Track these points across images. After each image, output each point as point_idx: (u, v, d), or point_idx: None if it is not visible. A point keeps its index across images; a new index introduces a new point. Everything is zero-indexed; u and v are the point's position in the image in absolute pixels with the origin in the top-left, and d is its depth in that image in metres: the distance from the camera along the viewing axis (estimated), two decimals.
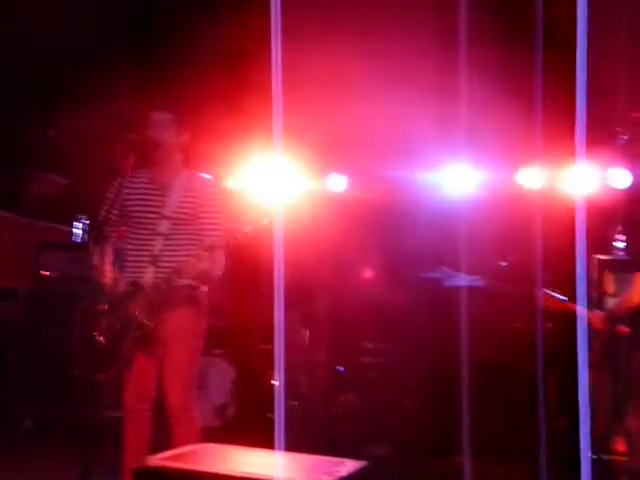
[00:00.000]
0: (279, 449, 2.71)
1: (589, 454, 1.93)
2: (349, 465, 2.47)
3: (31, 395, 5.15)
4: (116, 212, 3.49)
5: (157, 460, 2.51)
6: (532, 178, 5.24)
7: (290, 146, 4.74)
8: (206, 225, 3.42)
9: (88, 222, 5.76)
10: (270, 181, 5.50)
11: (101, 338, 3.31)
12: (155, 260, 3.35)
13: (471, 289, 5.22)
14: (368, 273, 5.74)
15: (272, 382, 4.95)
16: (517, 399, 4.66)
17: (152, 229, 3.41)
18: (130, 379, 3.36)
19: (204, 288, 3.50)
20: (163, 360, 3.39)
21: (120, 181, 3.41)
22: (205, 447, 2.77)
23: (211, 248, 3.35)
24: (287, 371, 4.90)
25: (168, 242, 3.37)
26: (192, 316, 3.44)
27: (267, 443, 2.77)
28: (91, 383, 3.40)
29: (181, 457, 2.55)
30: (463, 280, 5.00)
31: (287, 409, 5.00)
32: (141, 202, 3.47)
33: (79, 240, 5.78)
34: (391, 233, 5.45)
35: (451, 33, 4.67)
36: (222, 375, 5.22)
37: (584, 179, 4.80)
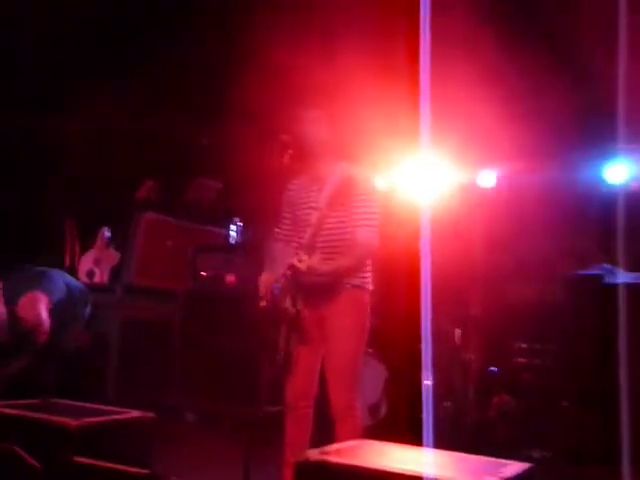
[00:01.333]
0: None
1: None
2: (513, 467, 2.39)
3: (192, 390, 5.39)
4: (286, 216, 3.63)
5: (318, 454, 2.54)
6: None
7: (438, 142, 4.69)
8: (358, 219, 3.43)
9: (243, 225, 5.96)
10: (418, 179, 5.47)
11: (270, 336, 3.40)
12: (303, 251, 3.39)
13: (633, 286, 4.95)
14: (521, 271, 5.56)
15: (424, 382, 4.90)
16: None
17: (306, 223, 3.48)
18: (292, 376, 3.43)
19: (369, 286, 3.53)
20: (326, 358, 3.44)
21: (288, 186, 3.57)
22: (365, 443, 2.78)
23: (362, 243, 3.37)
24: (439, 371, 4.85)
25: (320, 235, 3.42)
26: (355, 314, 3.47)
27: (419, 444, 2.73)
28: (253, 379, 3.51)
29: (341, 452, 2.57)
30: (625, 277, 4.74)
31: (439, 410, 4.94)
32: (300, 197, 3.57)
33: (234, 242, 5.99)
34: (545, 228, 5.26)
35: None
36: (374, 374, 5.23)
37: None
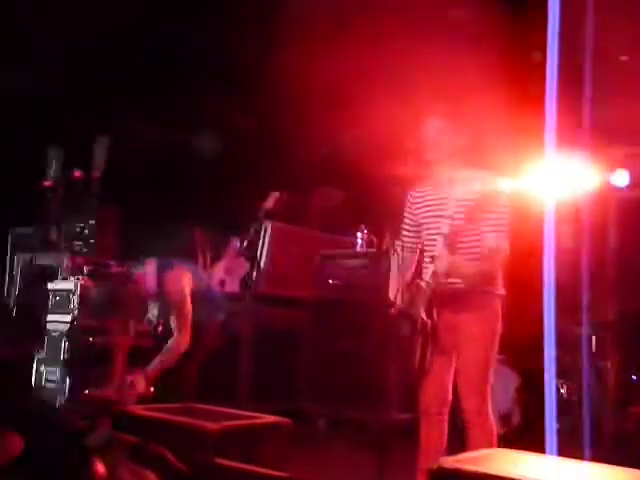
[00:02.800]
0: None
1: None
2: None
3: (323, 397, 5.48)
4: (409, 223, 3.65)
5: (452, 462, 2.53)
6: None
7: (567, 142, 4.54)
8: (488, 225, 3.41)
9: (367, 232, 6.00)
10: (544, 182, 5.31)
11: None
12: (435, 261, 3.40)
13: None
14: None
15: (561, 391, 4.76)
16: None
17: (435, 231, 3.48)
18: (426, 382, 3.45)
19: (500, 292, 3.49)
20: (458, 364, 3.44)
21: (410, 194, 3.59)
22: (499, 451, 2.74)
23: (493, 249, 3.34)
24: (574, 379, 4.70)
25: (450, 242, 3.41)
26: (487, 320, 3.44)
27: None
28: (386, 385, 3.54)
29: (476, 460, 2.55)
30: None
31: (575, 420, 4.77)
32: (426, 208, 3.58)
33: (360, 250, 6.04)
34: None
35: None
36: (506, 382, 5.12)
37: None
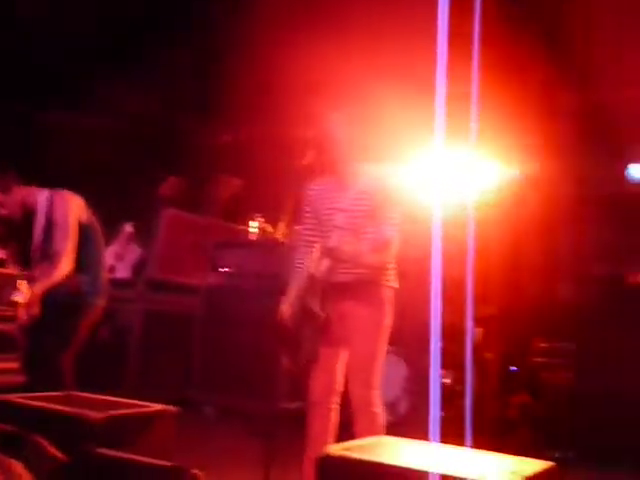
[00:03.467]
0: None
1: None
2: (535, 464, 2.39)
3: (212, 384, 5.42)
4: (308, 216, 3.65)
5: (338, 450, 2.55)
6: None
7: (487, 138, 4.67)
8: (383, 218, 3.45)
9: (262, 221, 5.98)
10: (435, 176, 5.43)
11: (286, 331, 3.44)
12: (330, 253, 3.41)
13: None
14: (544, 269, 5.54)
15: (444, 381, 4.90)
16: None
17: (331, 223, 3.49)
18: (316, 371, 3.46)
19: (392, 284, 3.54)
20: (348, 354, 3.46)
21: (309, 187, 3.58)
22: (386, 439, 2.79)
23: (386, 242, 3.39)
24: (458, 370, 4.84)
25: (344, 235, 3.43)
26: (378, 311, 3.48)
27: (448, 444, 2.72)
28: (274, 374, 3.53)
29: (362, 448, 2.58)
30: None
31: (458, 408, 4.92)
32: (323, 198, 3.59)
33: (255, 238, 6.02)
34: (577, 226, 5.23)
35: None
36: (394, 371, 5.22)
37: None
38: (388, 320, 3.52)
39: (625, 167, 5.45)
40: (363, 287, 3.44)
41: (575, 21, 4.95)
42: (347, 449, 2.55)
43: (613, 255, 5.18)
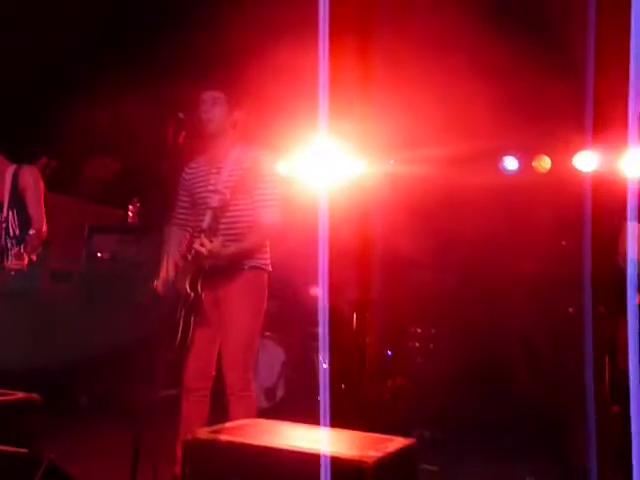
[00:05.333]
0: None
1: None
2: (397, 442, 2.47)
3: (86, 372, 5.27)
4: (182, 198, 3.59)
5: (207, 433, 2.54)
6: (586, 162, 5.11)
7: (341, 130, 4.74)
8: (258, 200, 3.44)
9: (140, 205, 5.85)
10: (319, 166, 5.50)
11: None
12: (204, 234, 3.38)
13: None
14: (418, 257, 5.70)
15: (322, 365, 4.97)
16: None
17: (205, 205, 3.46)
18: (190, 356, 3.42)
19: (267, 268, 3.54)
20: (222, 339, 3.44)
21: (185, 168, 3.53)
22: (255, 422, 2.80)
23: (264, 224, 3.39)
24: (336, 355, 4.92)
25: (224, 218, 3.40)
26: (252, 295, 3.47)
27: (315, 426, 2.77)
28: (149, 361, 3.47)
29: (231, 430, 2.58)
30: None
31: (336, 392, 5.01)
32: (198, 180, 3.54)
33: (131, 222, 5.88)
34: (443, 217, 5.40)
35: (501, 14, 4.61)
36: (271, 357, 5.26)
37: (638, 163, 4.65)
38: (263, 304, 3.53)
39: (500, 159, 5.68)
40: (237, 270, 3.43)
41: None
42: (215, 431, 2.55)
43: (486, 243, 5.40)
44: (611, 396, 4.38)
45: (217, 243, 3.30)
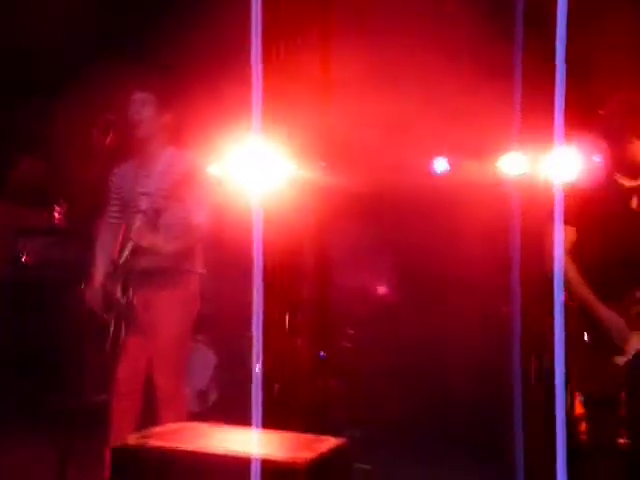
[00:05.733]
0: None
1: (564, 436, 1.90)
2: (330, 442, 2.48)
3: (9, 379, 5.12)
4: (113, 200, 3.53)
5: (136, 438, 2.50)
6: (512, 164, 5.22)
7: (275, 134, 4.73)
8: (192, 204, 3.41)
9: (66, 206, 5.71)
10: (251, 169, 5.46)
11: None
12: (135, 238, 3.33)
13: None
14: (351, 259, 5.74)
15: (254, 368, 4.94)
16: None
17: (135, 208, 3.41)
18: (120, 361, 3.36)
19: (198, 270, 3.51)
20: (153, 343, 3.39)
21: (115, 170, 3.48)
22: (186, 425, 2.77)
23: (195, 227, 3.36)
24: (269, 356, 4.91)
25: (149, 219, 3.36)
26: (181, 299, 3.44)
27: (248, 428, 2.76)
28: (78, 367, 3.41)
29: (161, 435, 2.55)
30: None
31: (270, 394, 4.99)
32: (128, 182, 3.49)
33: (57, 225, 5.72)
34: (372, 220, 5.46)
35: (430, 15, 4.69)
36: (203, 361, 5.21)
37: (563, 166, 4.79)
38: (195, 308, 3.50)
39: (430, 161, 5.77)
40: (168, 274, 3.39)
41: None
42: (145, 437, 2.51)
43: (417, 245, 5.47)
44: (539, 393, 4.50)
45: (159, 237, 3.27)
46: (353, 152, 5.42)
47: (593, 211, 3.06)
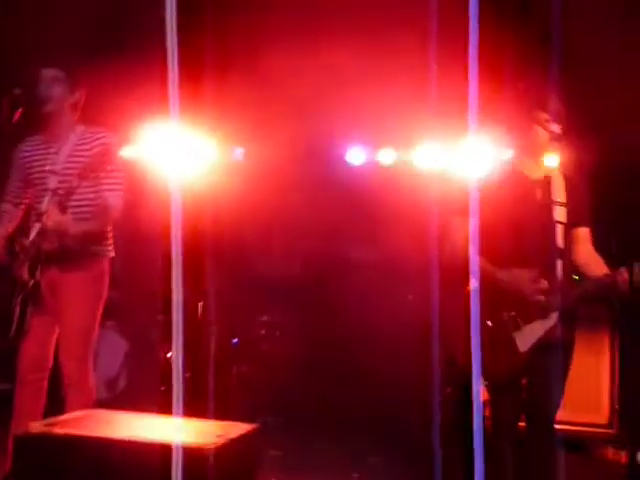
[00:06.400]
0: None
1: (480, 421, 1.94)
2: (240, 428, 2.48)
3: None
4: (16, 177, 3.41)
5: (40, 426, 2.44)
6: (427, 157, 5.29)
7: (194, 116, 4.65)
8: (104, 184, 3.33)
9: None
10: (169, 153, 5.37)
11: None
12: (41, 218, 3.23)
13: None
14: (266, 246, 5.74)
15: (167, 355, 4.88)
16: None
17: (43, 184, 3.31)
18: (25, 345, 3.26)
19: (109, 254, 3.44)
20: (59, 326, 3.31)
21: (20, 147, 3.35)
22: (93, 413, 2.72)
23: (106, 208, 3.29)
24: (182, 344, 4.86)
25: (57, 199, 3.26)
26: (89, 282, 3.36)
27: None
28: None
29: (67, 423, 2.49)
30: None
31: (182, 381, 4.95)
32: (35, 160, 3.39)
33: None
34: (291, 207, 5.46)
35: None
36: (113, 347, 5.11)
37: (476, 157, 4.88)
38: (103, 291, 3.42)
39: (344, 151, 5.81)
40: (75, 256, 3.31)
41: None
42: (49, 424, 2.45)
43: (333, 232, 5.52)
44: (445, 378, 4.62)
45: (68, 217, 3.18)
46: (271, 139, 5.41)
47: (500, 204, 3.13)
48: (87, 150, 3.31)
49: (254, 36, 5.06)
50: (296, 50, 4.94)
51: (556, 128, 3.12)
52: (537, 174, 3.24)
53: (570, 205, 3.20)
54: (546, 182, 3.24)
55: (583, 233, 3.24)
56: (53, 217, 3.16)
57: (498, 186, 3.11)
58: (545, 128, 3.12)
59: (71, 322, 3.30)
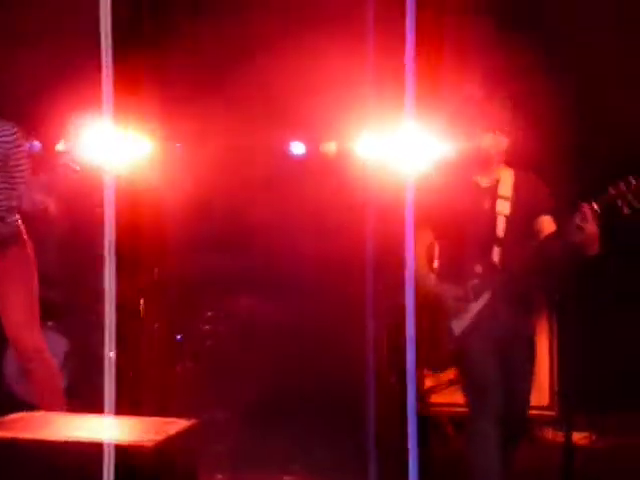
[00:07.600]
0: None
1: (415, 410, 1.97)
2: (179, 424, 2.47)
3: None
4: None
5: None
6: (367, 147, 5.30)
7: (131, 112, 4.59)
8: (18, 178, 3.31)
9: None
10: (103, 149, 5.28)
11: None
12: None
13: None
14: (208, 240, 5.70)
15: (107, 354, 4.81)
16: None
17: None
18: None
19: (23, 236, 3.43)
20: (5, 307, 3.29)
21: None
22: (29, 415, 2.66)
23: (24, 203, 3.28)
24: (123, 342, 4.79)
25: None
26: (21, 255, 3.36)
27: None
28: None
29: (1, 425, 2.44)
30: None
31: (123, 380, 4.87)
32: None
33: None
34: (234, 200, 5.43)
35: None
36: (53, 348, 4.98)
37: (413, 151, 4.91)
38: (32, 260, 3.43)
39: (288, 143, 5.80)
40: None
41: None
42: None
43: (275, 226, 5.49)
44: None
45: None
46: (210, 133, 5.37)
47: (449, 211, 3.18)
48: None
49: (192, 31, 5.02)
50: (234, 45, 4.91)
51: (502, 135, 3.18)
52: (487, 181, 3.29)
53: (524, 199, 3.25)
54: (493, 186, 3.28)
55: (547, 221, 3.29)
56: None
57: (448, 193, 3.16)
58: (491, 135, 3.18)
59: (12, 296, 3.31)
